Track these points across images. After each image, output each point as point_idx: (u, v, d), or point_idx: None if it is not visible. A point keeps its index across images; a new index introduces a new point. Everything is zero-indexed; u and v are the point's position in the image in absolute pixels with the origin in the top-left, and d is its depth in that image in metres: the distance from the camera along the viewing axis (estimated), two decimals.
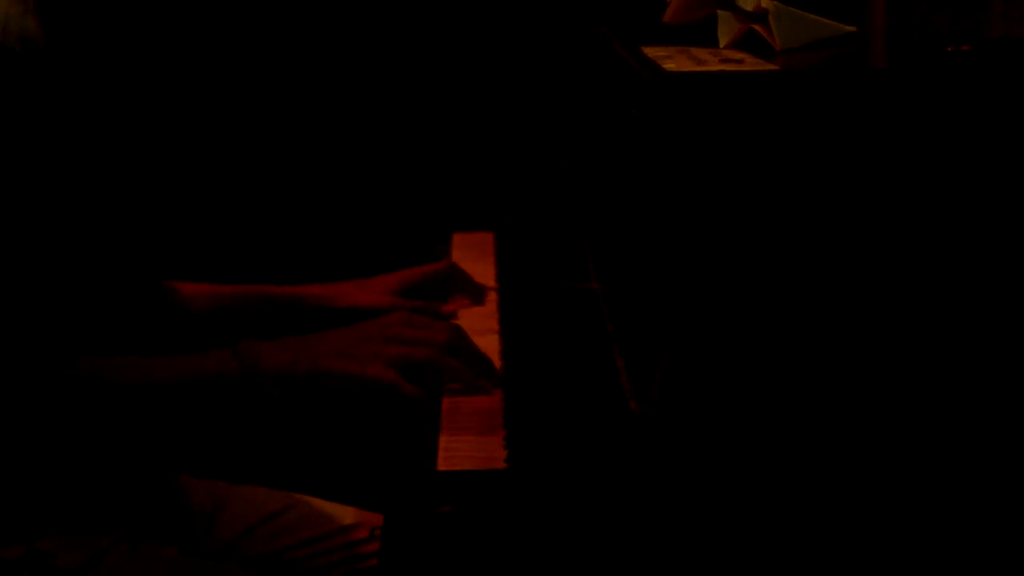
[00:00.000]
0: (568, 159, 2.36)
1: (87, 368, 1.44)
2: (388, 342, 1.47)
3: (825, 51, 1.56)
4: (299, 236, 2.87)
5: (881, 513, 1.34)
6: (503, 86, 2.86)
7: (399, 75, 2.87)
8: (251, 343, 1.46)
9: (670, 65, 1.46)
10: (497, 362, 1.61)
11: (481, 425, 1.44)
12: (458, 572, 1.30)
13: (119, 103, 1.59)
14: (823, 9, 1.59)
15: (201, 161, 2.78)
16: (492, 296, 1.91)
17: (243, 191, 2.85)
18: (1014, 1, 1.58)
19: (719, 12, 1.62)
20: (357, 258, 2.67)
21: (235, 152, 2.83)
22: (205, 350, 1.48)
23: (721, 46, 1.61)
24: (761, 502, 1.33)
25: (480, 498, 1.31)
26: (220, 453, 2.21)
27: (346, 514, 1.80)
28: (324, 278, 1.88)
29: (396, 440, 1.49)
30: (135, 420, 1.46)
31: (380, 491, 1.73)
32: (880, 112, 1.35)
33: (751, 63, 1.47)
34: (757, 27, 1.58)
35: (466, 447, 1.39)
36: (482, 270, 2.00)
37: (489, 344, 1.64)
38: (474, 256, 2.10)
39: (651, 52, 1.56)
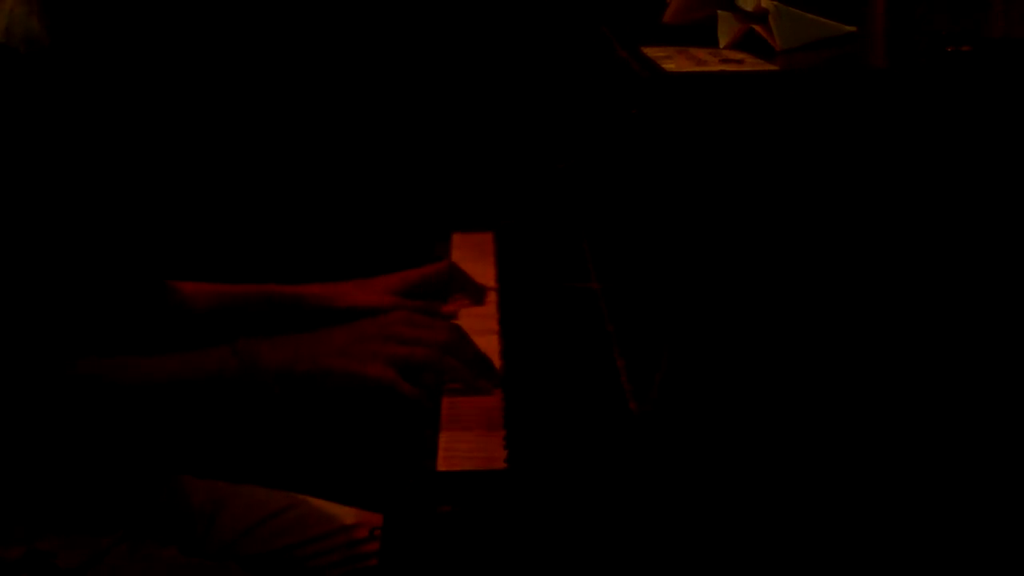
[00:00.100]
0: (568, 159, 2.36)
1: (87, 368, 1.44)
2: (388, 341, 1.47)
3: (825, 51, 1.56)
4: (299, 236, 2.87)
5: (881, 513, 1.34)
6: (503, 86, 2.86)
7: (399, 75, 2.87)
8: (251, 341, 1.47)
9: (670, 65, 1.46)
10: (497, 362, 1.61)
11: (481, 425, 1.44)
12: (458, 572, 1.30)
13: (122, 103, 1.59)
14: (823, 9, 1.59)
15: (201, 161, 2.78)
16: (492, 296, 1.91)
17: (243, 191, 2.85)
18: (1014, 1, 1.58)
19: (719, 12, 1.62)
20: (357, 258, 2.67)
21: (235, 152, 2.83)
22: (205, 349, 1.48)
23: (721, 46, 1.60)
24: (761, 502, 1.33)
25: (480, 498, 1.31)
26: (220, 453, 2.21)
27: (346, 514, 1.80)
28: (324, 278, 1.88)
29: (396, 440, 1.49)
30: (135, 419, 1.46)
31: (380, 491, 1.73)
32: (880, 112, 1.35)
33: (751, 63, 1.47)
34: (757, 27, 1.58)
35: (466, 447, 1.39)
36: (482, 270, 2.00)
37: (489, 344, 1.64)
38: (474, 256, 2.10)
39: (651, 52, 1.56)
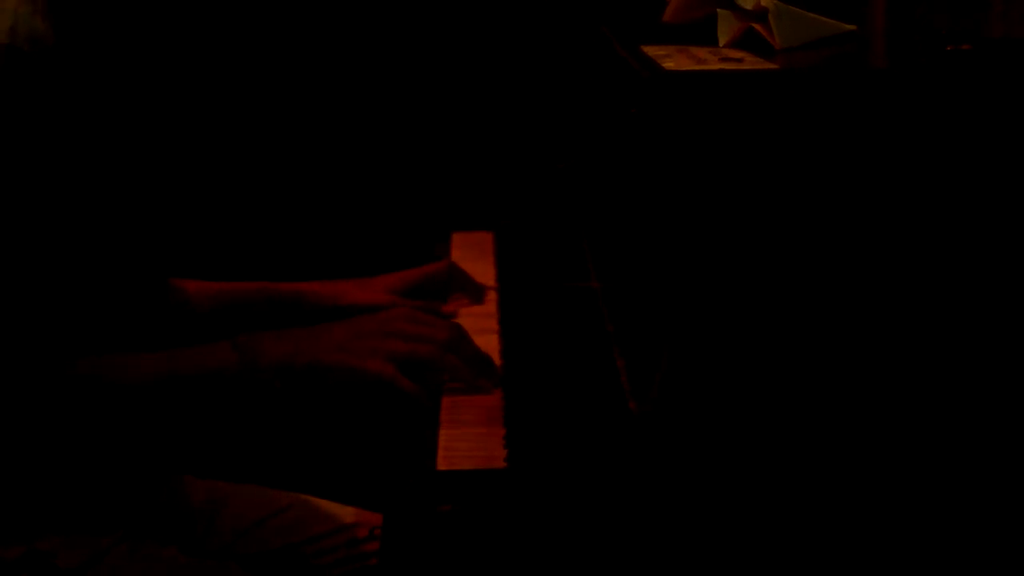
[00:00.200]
0: (568, 159, 2.35)
1: (88, 366, 1.44)
2: (389, 337, 1.47)
3: (825, 50, 1.56)
4: (299, 236, 2.87)
5: (880, 512, 1.34)
6: (503, 86, 2.86)
7: (399, 75, 2.87)
8: (252, 336, 1.47)
9: (670, 64, 1.46)
10: (497, 361, 1.61)
11: (481, 424, 1.44)
12: (458, 572, 1.30)
13: (126, 103, 1.59)
14: (823, 8, 1.59)
15: (202, 161, 2.78)
16: (492, 296, 1.91)
17: (243, 191, 2.85)
18: (1014, 1, 1.58)
19: (719, 11, 1.62)
20: (357, 258, 2.67)
21: (235, 152, 2.83)
22: (205, 344, 1.48)
23: (721, 45, 1.60)
24: (761, 502, 1.33)
25: (480, 498, 1.31)
26: (220, 453, 2.21)
27: (346, 514, 1.80)
28: (324, 278, 1.88)
29: (396, 439, 1.49)
30: (136, 416, 1.46)
31: (380, 490, 1.73)
32: (880, 112, 1.35)
33: (751, 62, 1.47)
34: (757, 26, 1.58)
35: (466, 446, 1.39)
36: (482, 270, 2.00)
37: (489, 344, 1.64)
38: (474, 256, 2.09)
39: (651, 51, 1.56)
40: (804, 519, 1.34)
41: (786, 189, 1.35)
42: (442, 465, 1.35)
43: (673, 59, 1.49)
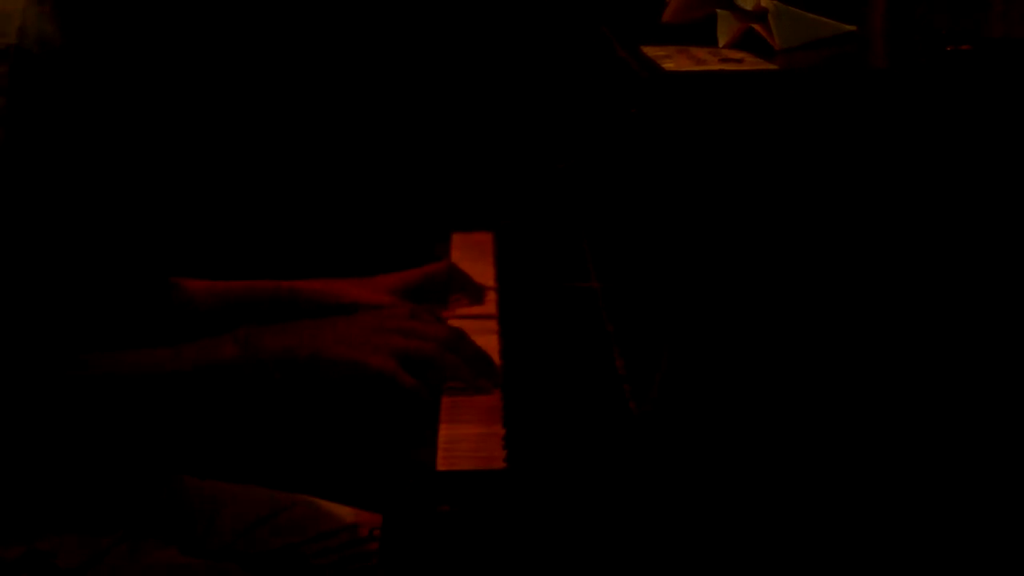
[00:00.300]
0: (568, 159, 2.35)
1: (90, 363, 1.45)
2: (390, 333, 1.47)
3: (825, 51, 1.56)
4: (299, 236, 2.87)
5: (880, 512, 1.34)
6: (503, 86, 2.86)
7: (399, 75, 2.87)
8: (253, 329, 1.47)
9: (669, 65, 1.46)
10: (496, 362, 1.61)
11: (481, 425, 1.44)
12: (458, 572, 1.30)
13: (131, 103, 1.59)
14: (823, 8, 1.59)
15: (203, 161, 2.78)
16: (491, 296, 1.91)
17: (244, 191, 2.85)
18: (1014, 1, 1.58)
19: (718, 11, 1.62)
20: (357, 258, 2.67)
21: (236, 152, 2.83)
22: (207, 338, 1.48)
23: (720, 45, 1.61)
24: (760, 502, 1.33)
25: (479, 498, 1.31)
26: (220, 453, 2.21)
27: (346, 514, 1.80)
28: (324, 278, 1.88)
29: (395, 439, 1.49)
30: (139, 410, 1.46)
31: (379, 491, 1.73)
32: (880, 112, 1.35)
33: (750, 62, 1.47)
34: (756, 26, 1.58)
35: (466, 446, 1.39)
36: (481, 270, 2.00)
37: (488, 344, 1.64)
38: (473, 256, 2.10)
39: (650, 52, 1.56)
40: (804, 519, 1.34)
41: (786, 189, 1.35)
42: (442, 465, 1.35)
43: (673, 60, 1.49)
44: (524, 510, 1.30)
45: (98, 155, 1.50)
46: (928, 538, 1.35)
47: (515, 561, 1.29)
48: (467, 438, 1.41)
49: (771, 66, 1.46)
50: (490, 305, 1.88)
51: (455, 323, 1.63)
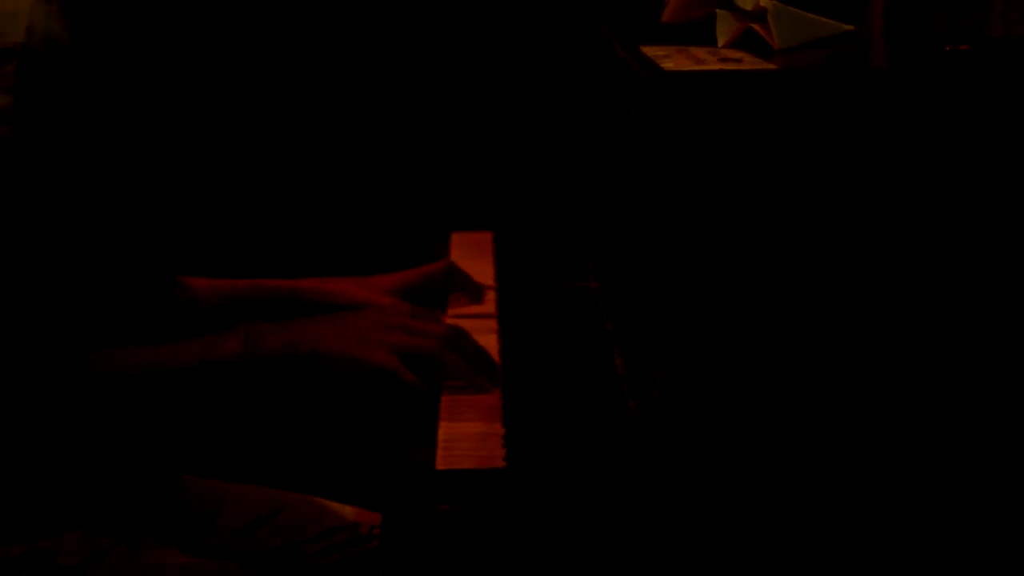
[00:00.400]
0: (568, 159, 2.36)
1: (94, 360, 1.45)
2: (392, 330, 1.48)
3: (824, 50, 1.56)
4: (298, 236, 2.87)
5: (879, 511, 1.34)
6: (503, 86, 2.86)
7: (399, 75, 2.87)
8: (254, 325, 1.47)
9: (669, 64, 1.46)
10: (496, 361, 1.61)
11: (480, 424, 1.44)
12: (457, 571, 1.30)
13: (137, 103, 1.60)
14: (822, 8, 1.59)
15: (203, 160, 2.78)
16: (491, 296, 1.91)
17: (244, 190, 2.85)
18: (1014, 1, 1.58)
19: (718, 11, 1.62)
20: (357, 258, 2.67)
21: (236, 151, 2.83)
22: (208, 335, 1.48)
23: (720, 45, 1.61)
24: (760, 501, 1.33)
25: (479, 497, 1.31)
26: (220, 453, 2.21)
27: (345, 513, 1.80)
28: (323, 277, 1.88)
29: (395, 438, 1.49)
30: (140, 408, 1.46)
31: (379, 490, 1.73)
32: (879, 112, 1.35)
33: (750, 62, 1.47)
34: (756, 26, 1.58)
35: (465, 445, 1.39)
36: (481, 269, 2.00)
37: (488, 343, 1.64)
38: (473, 256, 2.10)
39: (650, 51, 1.56)
40: (803, 518, 1.34)
41: (785, 189, 1.35)
42: (441, 464, 1.35)
43: (672, 59, 1.49)
44: (524, 509, 1.30)
45: (104, 154, 1.51)
46: (928, 537, 1.35)
47: (515, 561, 1.29)
48: (467, 437, 1.41)
49: (770, 66, 1.46)
50: (489, 304, 1.88)
51: (455, 322, 1.63)
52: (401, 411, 1.48)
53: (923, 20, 1.66)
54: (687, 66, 1.45)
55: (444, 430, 1.43)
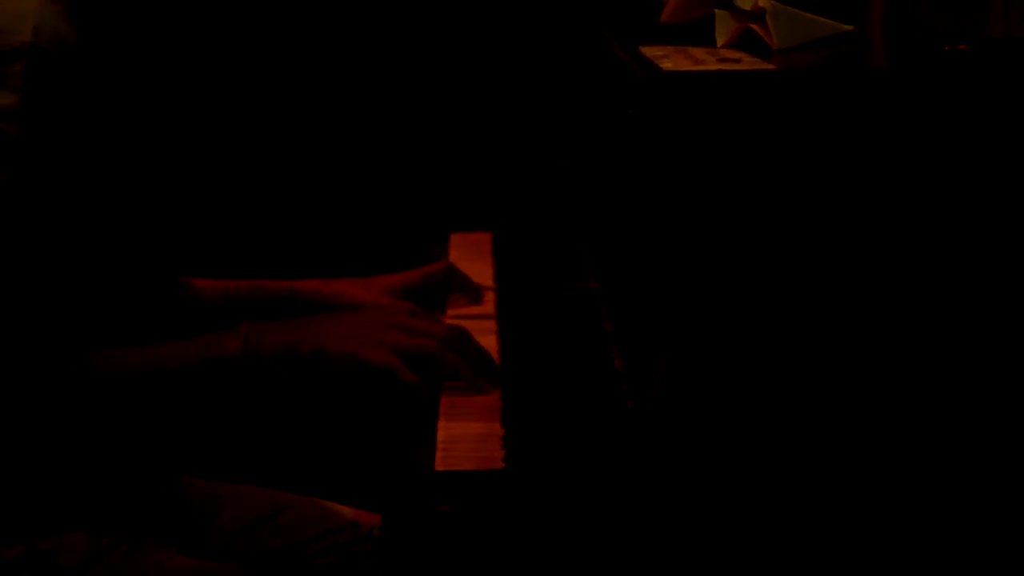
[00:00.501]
0: (567, 159, 2.36)
1: (96, 359, 1.45)
2: (392, 329, 1.48)
3: (823, 50, 1.56)
4: (298, 236, 2.87)
5: (878, 510, 1.34)
6: (503, 86, 2.86)
7: (399, 75, 2.87)
8: (255, 324, 1.47)
9: (667, 64, 1.46)
10: (495, 362, 1.61)
11: (479, 424, 1.44)
12: (457, 571, 1.30)
13: (142, 104, 1.60)
14: (821, 8, 1.59)
15: (204, 161, 2.78)
16: (490, 296, 1.91)
17: (243, 190, 2.85)
18: (1014, 1, 1.58)
19: (716, 11, 1.62)
20: (356, 258, 2.68)
21: (235, 151, 2.83)
22: (210, 334, 1.48)
23: (719, 45, 1.61)
24: (759, 500, 1.33)
25: (478, 498, 1.31)
26: (220, 453, 2.21)
27: (345, 514, 1.80)
28: (322, 278, 1.88)
29: (395, 439, 1.49)
30: (142, 408, 1.46)
31: (379, 491, 1.73)
32: (878, 112, 1.35)
33: (748, 62, 1.47)
34: (755, 26, 1.58)
35: (465, 447, 1.39)
36: (480, 270, 2.00)
37: (487, 344, 1.64)
38: (472, 256, 2.10)
39: (649, 52, 1.56)
40: (802, 517, 1.34)
41: (784, 189, 1.35)
42: (440, 465, 1.35)
43: (671, 59, 1.49)
44: (523, 510, 1.30)
45: (110, 154, 1.51)
46: (926, 537, 1.35)
47: (515, 561, 1.29)
48: (466, 438, 1.41)
49: (769, 66, 1.46)
50: (489, 305, 1.88)
51: (454, 323, 1.63)
52: (401, 411, 1.48)
53: (923, 20, 1.66)
54: (686, 66, 1.45)
55: (443, 431, 1.43)
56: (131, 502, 1.63)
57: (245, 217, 2.85)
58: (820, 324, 1.35)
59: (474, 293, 1.91)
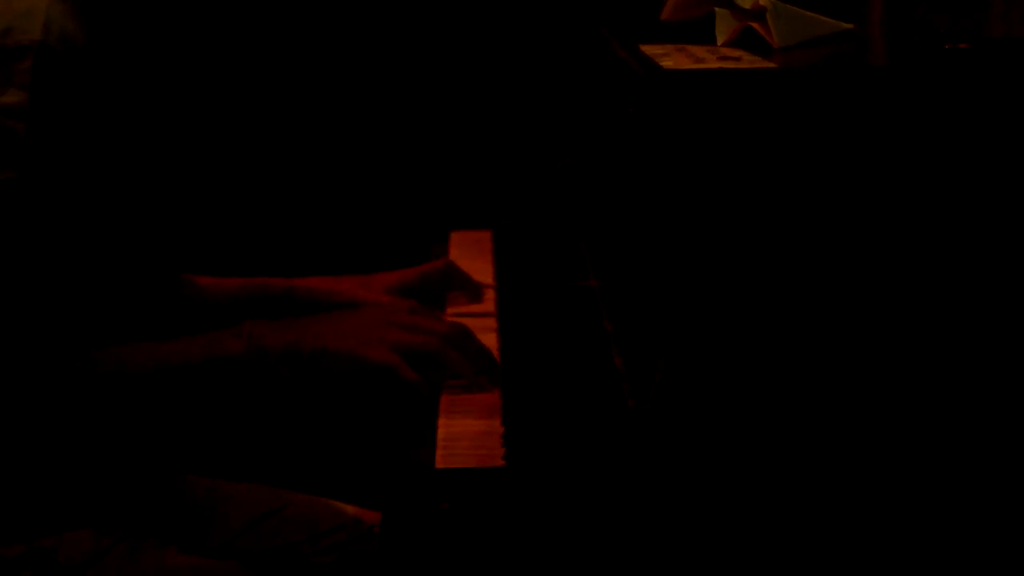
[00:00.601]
0: (567, 158, 2.36)
1: (99, 357, 1.45)
2: (393, 327, 1.48)
3: (823, 49, 1.56)
4: (298, 235, 2.87)
5: (877, 509, 1.34)
6: (503, 86, 2.86)
7: (399, 75, 2.87)
8: (257, 323, 1.47)
9: (667, 63, 1.46)
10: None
11: (480, 422, 1.44)
12: (457, 570, 1.30)
13: (149, 102, 1.60)
14: (821, 6, 1.59)
15: (204, 160, 2.78)
16: (490, 294, 1.91)
17: (243, 189, 2.85)
18: (1014, 1, 1.58)
19: (717, 10, 1.62)
20: (356, 257, 2.67)
21: (235, 151, 2.83)
22: (212, 332, 1.49)
23: (719, 44, 1.61)
24: (759, 499, 1.33)
25: (479, 496, 1.31)
26: (221, 452, 2.21)
27: (345, 512, 1.80)
28: (322, 276, 1.88)
29: (395, 437, 1.49)
30: (144, 406, 1.46)
31: (379, 489, 1.73)
32: (878, 111, 1.35)
33: (749, 61, 1.47)
34: (755, 24, 1.58)
35: (465, 444, 1.39)
36: (480, 268, 2.00)
37: (487, 342, 1.64)
38: (472, 254, 2.10)
39: (649, 50, 1.56)
40: (802, 516, 1.34)
41: (784, 188, 1.35)
42: (441, 463, 1.35)
43: (671, 58, 1.49)
44: (524, 508, 1.30)
45: (116, 152, 1.51)
46: (927, 535, 1.35)
47: (515, 559, 1.29)
48: (466, 436, 1.41)
49: (769, 64, 1.46)
50: (489, 303, 1.88)
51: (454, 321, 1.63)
52: (401, 410, 1.48)
53: (923, 19, 1.66)
54: (686, 65, 1.45)
55: (444, 429, 1.43)
56: (131, 501, 1.63)
57: (246, 215, 2.85)
58: (820, 323, 1.35)
59: (474, 291, 1.91)
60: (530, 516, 1.29)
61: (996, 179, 1.35)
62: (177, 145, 1.67)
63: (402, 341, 1.47)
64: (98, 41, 1.48)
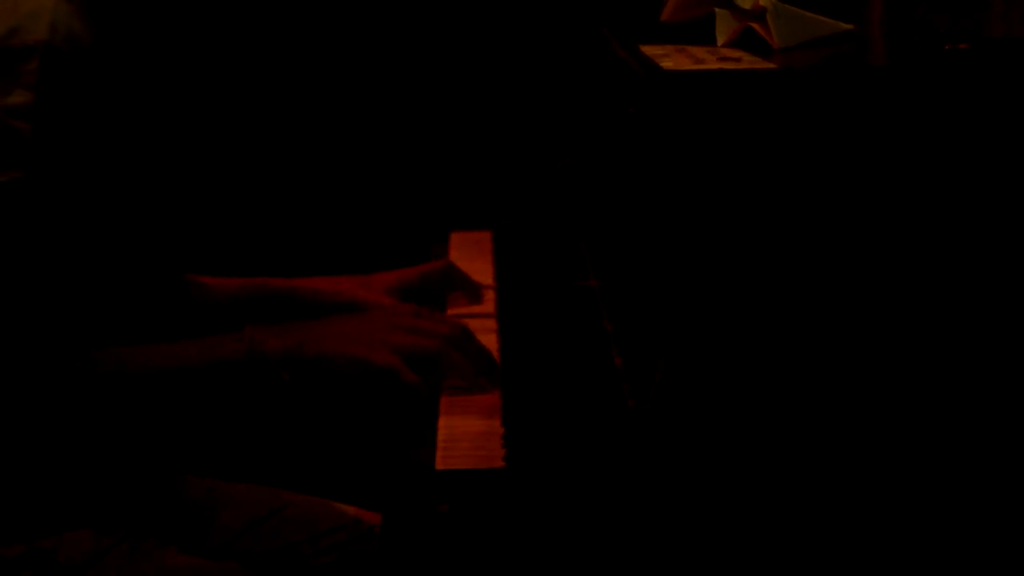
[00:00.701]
0: (567, 159, 2.36)
1: (100, 357, 1.45)
2: (394, 330, 1.48)
3: (823, 49, 1.56)
4: (298, 235, 2.87)
5: (877, 508, 1.34)
6: (503, 86, 2.86)
7: (399, 75, 2.87)
8: (259, 328, 1.47)
9: (668, 64, 1.46)
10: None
11: (480, 423, 1.44)
12: (457, 571, 1.30)
13: (153, 102, 1.60)
14: (821, 7, 1.59)
15: (204, 160, 2.78)
16: (490, 295, 1.91)
17: (243, 189, 2.85)
18: (1014, 1, 1.58)
19: (717, 10, 1.62)
20: (356, 257, 2.67)
21: (235, 150, 2.83)
22: (213, 336, 1.49)
23: (719, 44, 1.61)
24: (758, 499, 1.33)
25: (479, 497, 1.31)
26: (220, 452, 2.21)
27: (345, 513, 1.80)
28: (322, 276, 1.88)
29: (395, 439, 1.49)
30: (145, 408, 1.46)
31: (379, 490, 1.73)
32: (878, 111, 1.35)
33: (749, 61, 1.47)
34: (755, 25, 1.58)
35: (465, 445, 1.39)
36: (480, 269, 2.00)
37: (487, 343, 1.64)
38: (472, 255, 2.10)
39: (649, 51, 1.56)
40: (801, 515, 1.34)
41: (784, 189, 1.35)
42: (441, 464, 1.35)
43: (671, 59, 1.49)
44: (524, 509, 1.30)
45: (121, 152, 1.51)
46: (926, 535, 1.35)
47: (515, 560, 1.29)
48: (467, 437, 1.41)
49: (769, 65, 1.46)
50: (489, 304, 1.88)
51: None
52: (401, 411, 1.48)
53: (923, 19, 1.66)
54: (686, 65, 1.45)
55: (444, 430, 1.43)
56: (131, 501, 1.63)
57: (247, 215, 2.85)
58: (820, 323, 1.35)
59: (474, 292, 1.91)
60: (530, 517, 1.29)
61: (996, 179, 1.35)
62: (180, 145, 1.67)
63: (403, 344, 1.47)
64: (104, 41, 1.48)
